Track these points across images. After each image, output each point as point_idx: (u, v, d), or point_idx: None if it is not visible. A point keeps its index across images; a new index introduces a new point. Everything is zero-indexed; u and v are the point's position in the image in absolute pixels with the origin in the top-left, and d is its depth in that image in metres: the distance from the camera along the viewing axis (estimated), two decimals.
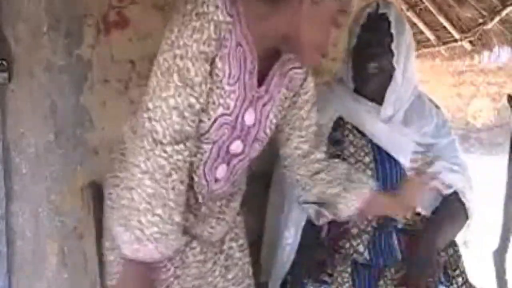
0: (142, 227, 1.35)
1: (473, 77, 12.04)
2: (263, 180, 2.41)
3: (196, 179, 1.53)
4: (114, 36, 2.19)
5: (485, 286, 2.31)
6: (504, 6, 3.25)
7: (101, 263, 2.16)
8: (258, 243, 2.35)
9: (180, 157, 1.38)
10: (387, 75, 1.95)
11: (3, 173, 2.13)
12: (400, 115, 2.02)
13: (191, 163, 1.47)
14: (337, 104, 2.03)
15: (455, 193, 2.02)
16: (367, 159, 1.97)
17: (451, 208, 2.02)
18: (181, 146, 1.38)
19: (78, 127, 2.18)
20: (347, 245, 1.96)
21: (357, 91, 2.02)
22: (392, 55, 1.93)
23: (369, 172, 1.95)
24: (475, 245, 2.13)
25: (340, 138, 2.01)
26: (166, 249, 1.39)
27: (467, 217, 2.03)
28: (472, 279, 2.06)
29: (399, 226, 1.98)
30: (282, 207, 2.09)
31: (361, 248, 1.95)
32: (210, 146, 1.50)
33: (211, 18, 1.35)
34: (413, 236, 1.98)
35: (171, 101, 1.36)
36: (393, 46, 1.92)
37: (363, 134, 2.00)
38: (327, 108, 2.01)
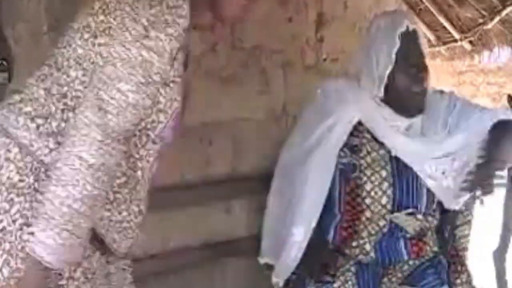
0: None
1: (473, 77, 12.01)
2: (263, 179, 2.42)
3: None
4: None
5: (485, 286, 2.31)
6: (504, 6, 3.25)
7: None
8: (257, 239, 2.36)
9: (119, 157, 1.31)
10: (424, 91, 1.95)
11: None
12: (418, 122, 2.00)
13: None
14: (358, 107, 1.98)
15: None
16: (384, 173, 1.95)
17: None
18: (124, 146, 1.32)
19: None
20: (354, 243, 1.96)
21: (384, 101, 1.97)
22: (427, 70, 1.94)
23: (385, 185, 1.93)
24: (475, 245, 2.13)
25: (357, 145, 1.98)
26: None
27: None
28: (472, 279, 2.06)
29: (408, 235, 1.97)
30: (287, 202, 2.07)
31: (367, 246, 1.95)
32: (158, 147, 1.47)
33: (182, 14, 1.32)
34: (421, 239, 1.98)
35: (130, 97, 1.28)
36: (425, 59, 1.94)
37: (381, 144, 1.97)
38: (346, 110, 1.98)
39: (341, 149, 1.98)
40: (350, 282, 1.90)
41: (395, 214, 1.95)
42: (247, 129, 2.46)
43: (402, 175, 1.95)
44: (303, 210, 1.99)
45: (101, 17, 1.36)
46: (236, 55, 2.40)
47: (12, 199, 1.31)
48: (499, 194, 2.93)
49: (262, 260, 2.13)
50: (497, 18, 3.44)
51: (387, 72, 1.88)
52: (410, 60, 1.90)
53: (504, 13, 3.31)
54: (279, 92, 2.53)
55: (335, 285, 1.89)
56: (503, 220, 2.90)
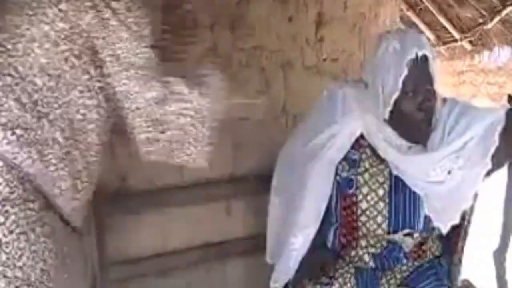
0: None
1: (473, 77, 12.01)
2: (263, 179, 2.42)
3: None
4: None
5: (485, 286, 2.31)
6: (504, 6, 3.26)
7: (101, 263, 2.18)
8: (257, 239, 2.36)
9: None
10: (430, 118, 1.85)
11: None
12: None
13: None
14: (362, 121, 1.93)
15: None
16: (381, 192, 1.91)
17: None
18: None
19: None
20: (353, 253, 1.96)
21: (389, 122, 1.88)
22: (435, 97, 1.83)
23: (381, 205, 1.90)
24: (475, 245, 2.13)
25: (357, 160, 1.95)
26: None
27: None
28: (472, 279, 2.06)
29: (407, 250, 1.95)
30: (286, 208, 2.07)
31: (366, 257, 1.94)
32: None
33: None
34: (421, 247, 1.97)
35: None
36: (434, 83, 1.82)
37: (382, 159, 1.92)
38: (350, 122, 1.93)
39: (340, 162, 1.95)
40: (349, 284, 1.90)
41: (391, 235, 1.92)
42: (247, 129, 2.46)
43: (401, 193, 1.90)
44: (302, 220, 1.97)
45: (61, 25, 1.36)
46: (236, 54, 2.40)
47: (7, 211, 1.32)
48: (499, 194, 2.92)
49: (271, 261, 2.12)
50: (497, 18, 3.45)
51: (393, 98, 1.80)
52: (417, 88, 1.80)
53: (504, 13, 3.31)
54: (279, 92, 2.53)
55: (334, 287, 1.89)
56: (503, 220, 2.89)
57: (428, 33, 4.76)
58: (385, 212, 1.90)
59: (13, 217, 1.33)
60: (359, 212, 1.92)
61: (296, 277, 1.98)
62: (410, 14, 4.67)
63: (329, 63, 2.64)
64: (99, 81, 1.41)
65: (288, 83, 2.54)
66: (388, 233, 1.91)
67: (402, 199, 1.90)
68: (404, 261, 1.95)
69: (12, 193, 1.33)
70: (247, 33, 2.40)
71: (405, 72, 1.77)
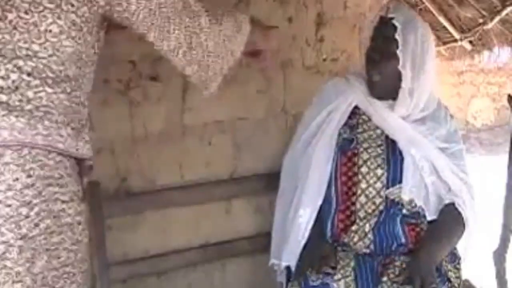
0: None
1: (473, 77, 12.02)
2: (263, 179, 2.42)
3: None
4: (114, 36, 2.19)
5: (485, 286, 2.31)
6: (504, 6, 3.25)
7: (101, 263, 2.17)
8: (257, 239, 2.36)
9: None
10: (395, 80, 2.01)
11: None
12: (416, 115, 2.09)
13: None
14: (353, 95, 2.11)
15: (453, 204, 2.04)
16: (379, 150, 2.05)
17: (449, 219, 2.04)
18: None
19: None
20: (354, 227, 1.98)
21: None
22: (397, 60, 1.97)
23: (380, 160, 2.02)
24: (475, 245, 2.13)
25: (355, 124, 2.10)
26: None
27: (464, 228, 2.05)
28: (472, 279, 2.06)
29: (404, 211, 2.01)
30: (294, 191, 2.12)
31: (367, 227, 1.97)
32: None
33: None
34: (416, 226, 2.02)
35: None
36: (398, 51, 1.96)
37: (377, 126, 2.08)
38: (344, 98, 2.11)
39: (341, 128, 2.09)
40: (350, 277, 1.91)
41: (390, 189, 2.00)
42: (247, 128, 2.46)
43: (398, 153, 2.03)
44: (309, 191, 2.05)
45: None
46: None
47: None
48: (499, 194, 2.92)
49: (270, 262, 2.13)
50: (497, 18, 3.44)
51: (367, 46, 2.05)
52: (372, 46, 2.03)
53: (504, 13, 3.30)
54: (279, 92, 2.53)
55: (336, 277, 1.89)
56: (503, 220, 2.89)
57: None
58: (384, 165, 2.01)
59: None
60: (360, 162, 2.03)
61: (297, 267, 1.99)
62: None
63: (329, 63, 2.64)
64: None
65: (288, 83, 2.54)
66: (387, 187, 2.00)
67: (399, 158, 2.02)
68: (402, 237, 1.98)
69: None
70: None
71: (371, 32, 2.02)
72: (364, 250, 1.98)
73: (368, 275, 1.93)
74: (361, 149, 2.05)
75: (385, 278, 1.91)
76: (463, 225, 2.05)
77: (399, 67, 1.97)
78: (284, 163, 2.23)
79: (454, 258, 2.05)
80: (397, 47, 1.97)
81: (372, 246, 1.98)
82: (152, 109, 2.27)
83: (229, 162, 2.44)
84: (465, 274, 2.06)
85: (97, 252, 2.17)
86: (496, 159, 7.97)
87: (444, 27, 4.36)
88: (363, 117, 2.11)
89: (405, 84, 1.99)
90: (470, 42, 4.22)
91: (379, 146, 2.06)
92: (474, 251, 2.13)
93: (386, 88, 2.04)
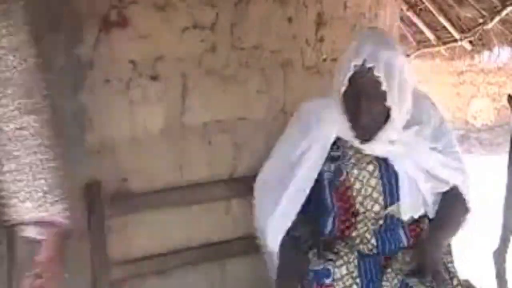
0: None
1: (473, 77, 12.02)
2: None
3: None
4: (115, 36, 2.19)
5: (485, 287, 2.31)
6: (504, 6, 3.26)
7: (102, 263, 2.17)
8: (257, 239, 2.35)
9: None
10: (383, 116, 1.97)
11: None
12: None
13: None
14: (334, 125, 2.06)
15: (453, 188, 2.05)
16: (371, 167, 2.01)
17: (451, 206, 2.05)
18: None
19: (78, 127, 2.18)
20: (354, 233, 1.98)
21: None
22: (385, 98, 1.93)
23: (373, 181, 1.99)
24: (475, 245, 2.13)
25: (340, 154, 2.05)
26: None
27: (467, 211, 2.06)
28: (472, 280, 2.06)
29: (405, 219, 2.02)
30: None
31: (368, 235, 1.97)
32: None
33: None
34: (417, 226, 2.04)
35: None
36: (383, 88, 1.91)
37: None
38: (323, 128, 2.06)
39: (324, 163, 2.05)
40: (352, 264, 1.91)
41: (389, 208, 2.00)
42: (247, 128, 2.46)
43: (390, 172, 2.01)
44: (290, 193, 2.07)
45: None
46: (236, 55, 2.40)
47: None
48: (499, 194, 2.93)
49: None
50: (497, 18, 3.45)
51: (342, 90, 1.97)
52: (354, 92, 1.94)
53: (504, 13, 3.31)
54: (279, 92, 2.53)
55: (338, 263, 1.90)
56: (503, 220, 2.90)
57: (428, 33, 4.76)
58: (378, 186, 1.99)
59: None
60: (354, 193, 2.00)
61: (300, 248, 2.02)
62: (410, 14, 4.66)
63: (329, 63, 2.64)
64: None
65: (288, 83, 2.54)
66: (386, 207, 1.99)
67: (393, 174, 2.00)
68: (405, 242, 1.99)
69: None
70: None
71: (351, 72, 1.93)
72: (366, 252, 1.99)
73: (371, 265, 1.94)
74: (352, 179, 2.01)
75: (389, 270, 1.92)
76: (466, 209, 2.08)
77: (387, 104, 1.93)
78: (262, 175, 2.25)
79: (449, 248, 2.08)
80: (381, 86, 1.91)
81: (374, 250, 1.99)
82: (152, 109, 2.27)
83: (229, 162, 2.44)
84: (465, 274, 2.06)
85: (97, 252, 2.18)
86: (496, 159, 7.98)
87: (444, 27, 4.37)
88: (348, 144, 2.05)
89: (395, 115, 1.96)
90: (470, 42, 4.23)
91: (369, 163, 2.01)
92: (474, 251, 2.14)
93: (374, 127, 1.99)
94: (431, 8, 4.31)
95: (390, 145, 2.00)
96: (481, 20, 3.71)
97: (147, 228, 2.30)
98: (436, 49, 4.85)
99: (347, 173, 2.01)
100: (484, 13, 3.61)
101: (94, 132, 2.19)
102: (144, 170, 2.27)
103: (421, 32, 4.79)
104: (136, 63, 2.22)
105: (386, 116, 1.96)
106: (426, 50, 5.05)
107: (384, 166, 2.01)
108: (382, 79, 1.89)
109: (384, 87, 1.89)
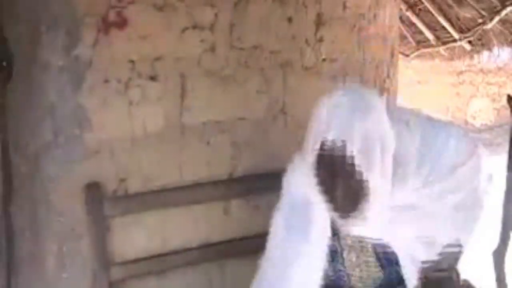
0: None
1: (473, 77, 12.02)
2: (261, 180, 2.42)
3: None
4: (114, 36, 2.19)
5: (484, 287, 2.31)
6: (504, 6, 3.26)
7: (101, 263, 2.18)
8: (256, 240, 2.35)
9: None
10: (361, 191, 1.65)
11: (2, 173, 2.13)
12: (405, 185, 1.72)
13: None
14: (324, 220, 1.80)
15: None
16: (370, 259, 1.82)
17: None
18: None
19: (77, 127, 2.18)
20: None
21: None
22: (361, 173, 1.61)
23: (372, 261, 1.82)
24: (474, 245, 2.13)
25: (336, 249, 1.84)
26: None
27: None
28: (471, 280, 2.06)
29: None
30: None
31: None
32: None
33: None
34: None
35: None
36: (357, 161, 1.59)
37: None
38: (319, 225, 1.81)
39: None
40: None
41: None
42: (246, 129, 2.46)
43: (389, 257, 1.81)
44: None
45: None
46: (235, 55, 2.40)
47: None
48: (498, 194, 2.92)
49: None
50: (496, 18, 3.45)
51: (311, 161, 1.66)
52: (328, 165, 1.64)
53: (503, 13, 3.31)
54: (278, 92, 2.53)
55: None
56: (503, 221, 2.89)
57: (427, 33, 4.76)
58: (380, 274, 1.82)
59: None
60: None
61: None
62: (409, 14, 4.67)
63: (329, 64, 2.64)
64: None
65: (287, 83, 2.54)
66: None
67: (393, 257, 1.80)
68: None
69: None
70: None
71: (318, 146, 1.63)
72: None
73: None
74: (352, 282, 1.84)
75: None
76: None
77: (364, 178, 1.62)
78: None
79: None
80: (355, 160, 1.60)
81: None
82: (151, 109, 2.27)
83: (228, 162, 2.44)
84: (465, 274, 2.06)
85: (97, 252, 2.18)
86: (495, 159, 7.98)
87: (444, 27, 4.38)
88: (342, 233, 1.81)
89: (373, 195, 1.64)
90: (470, 42, 4.23)
91: (362, 249, 1.81)
92: (473, 251, 2.13)
93: (353, 201, 1.66)
94: (431, 8, 4.31)
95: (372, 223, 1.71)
96: (480, 20, 3.72)
97: (146, 228, 2.30)
98: (436, 49, 4.85)
99: (342, 270, 1.83)
100: (483, 13, 3.61)
101: (93, 132, 2.19)
102: (143, 170, 2.27)
103: (421, 32, 4.80)
104: (135, 63, 2.22)
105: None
106: (425, 50, 5.05)
107: (383, 251, 1.78)
108: (356, 158, 1.58)
109: (358, 166, 1.60)
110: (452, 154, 1.74)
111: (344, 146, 1.58)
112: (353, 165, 1.59)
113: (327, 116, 1.63)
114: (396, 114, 1.74)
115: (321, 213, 1.76)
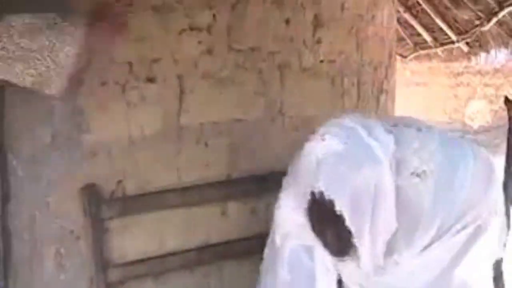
0: None
1: (470, 79, 12.05)
2: (259, 181, 2.42)
3: None
4: (111, 37, 2.18)
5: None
6: (501, 8, 3.26)
7: (98, 265, 2.17)
8: (253, 241, 2.35)
9: None
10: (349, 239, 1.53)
11: None
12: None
13: None
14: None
15: None
16: None
17: None
18: None
19: (75, 129, 2.17)
20: None
21: None
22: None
23: None
24: None
25: None
26: None
27: None
28: (469, 280, 2.06)
29: None
30: None
31: None
32: None
33: None
34: None
35: None
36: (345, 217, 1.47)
37: None
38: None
39: None
40: None
41: None
42: (244, 130, 2.46)
43: None
44: None
45: None
46: (233, 56, 2.40)
47: None
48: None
49: None
50: (494, 20, 3.45)
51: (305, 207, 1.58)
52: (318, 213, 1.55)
53: (501, 14, 3.32)
54: (276, 93, 2.53)
55: None
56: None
57: (425, 34, 4.77)
58: None
59: None
60: None
61: None
62: (407, 16, 4.67)
63: (327, 65, 2.64)
64: None
65: (285, 84, 2.54)
66: None
67: None
68: None
69: None
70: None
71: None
72: None
73: None
74: None
75: None
76: None
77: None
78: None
79: None
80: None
81: None
82: (149, 111, 2.26)
83: (225, 164, 2.44)
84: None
85: (95, 254, 2.17)
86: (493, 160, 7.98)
87: (441, 28, 4.38)
88: None
89: (363, 257, 1.54)
90: (467, 43, 4.24)
91: None
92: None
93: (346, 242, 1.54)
94: (428, 10, 4.32)
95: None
96: (478, 22, 3.72)
97: (143, 230, 2.30)
98: (433, 50, 4.86)
99: None
100: (481, 15, 3.61)
101: (91, 134, 2.19)
102: (141, 172, 2.27)
103: (418, 34, 4.81)
104: (133, 65, 2.22)
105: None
106: (423, 51, 5.06)
107: None
108: (345, 216, 1.46)
109: (347, 223, 1.47)
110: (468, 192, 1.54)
111: (332, 201, 1.46)
112: (343, 219, 1.47)
113: (317, 163, 1.49)
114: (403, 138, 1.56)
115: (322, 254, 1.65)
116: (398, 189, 1.50)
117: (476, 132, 11.89)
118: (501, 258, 2.83)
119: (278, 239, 1.78)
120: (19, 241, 2.18)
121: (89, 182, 2.16)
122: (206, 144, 2.38)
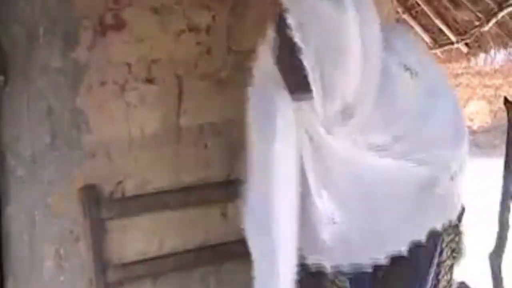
0: None
1: (469, 80, 12.05)
2: None
3: None
4: (111, 38, 2.19)
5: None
6: (500, 9, 3.26)
7: (97, 266, 2.17)
8: None
9: None
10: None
11: None
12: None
13: None
14: None
15: None
16: None
17: None
18: None
19: (75, 129, 2.18)
20: None
21: None
22: None
23: None
24: (471, 247, 2.13)
25: None
26: None
27: None
28: (468, 281, 2.07)
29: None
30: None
31: None
32: None
33: None
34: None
35: None
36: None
37: None
38: None
39: None
40: None
41: None
42: (243, 131, 2.46)
43: None
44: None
45: None
46: (232, 57, 2.40)
47: None
48: (495, 195, 2.93)
49: None
50: (493, 21, 3.45)
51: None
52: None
53: (500, 15, 3.32)
54: None
55: None
56: (499, 221, 2.90)
57: (424, 35, 4.77)
58: None
59: None
60: None
61: None
62: (406, 17, 4.68)
63: None
64: None
65: None
66: None
67: None
68: None
69: None
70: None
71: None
72: None
73: None
74: None
75: None
76: None
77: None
78: None
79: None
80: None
81: None
82: (148, 111, 2.27)
83: (225, 165, 2.44)
84: (461, 276, 2.06)
85: (93, 254, 2.17)
86: (492, 161, 7.99)
87: (441, 29, 4.39)
88: None
89: (316, 103, 1.46)
90: (467, 44, 4.24)
91: None
92: (470, 253, 2.14)
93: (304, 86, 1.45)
94: (428, 11, 4.32)
95: None
96: (477, 23, 3.72)
97: (143, 231, 2.30)
98: (433, 51, 4.86)
99: None
100: (480, 15, 3.61)
101: (90, 135, 2.19)
102: (140, 172, 2.27)
103: (417, 35, 4.80)
104: (132, 65, 2.22)
105: None
106: None
107: None
108: (293, 33, 1.38)
109: (301, 56, 1.39)
110: None
111: (290, 26, 1.37)
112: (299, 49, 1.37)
113: None
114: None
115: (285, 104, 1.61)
116: (387, 75, 1.50)
117: (476, 133, 11.89)
118: (500, 258, 2.83)
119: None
120: (18, 242, 2.18)
121: (89, 182, 2.17)
122: (205, 145, 2.38)
